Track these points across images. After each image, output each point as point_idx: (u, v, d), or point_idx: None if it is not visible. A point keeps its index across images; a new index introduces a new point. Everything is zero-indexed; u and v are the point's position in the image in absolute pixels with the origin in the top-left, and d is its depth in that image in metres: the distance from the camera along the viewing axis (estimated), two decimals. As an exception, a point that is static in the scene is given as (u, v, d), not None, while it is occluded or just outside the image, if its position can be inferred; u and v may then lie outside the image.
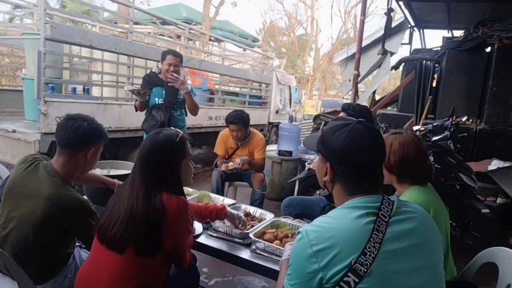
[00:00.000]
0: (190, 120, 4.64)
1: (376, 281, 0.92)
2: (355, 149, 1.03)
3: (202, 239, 1.79)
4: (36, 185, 1.47)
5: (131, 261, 1.34)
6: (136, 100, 3.29)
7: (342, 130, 1.05)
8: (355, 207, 1.02)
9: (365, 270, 0.91)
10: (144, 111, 3.40)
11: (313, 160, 2.61)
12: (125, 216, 1.34)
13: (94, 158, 1.62)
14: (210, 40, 10.80)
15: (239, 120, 3.35)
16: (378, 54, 5.57)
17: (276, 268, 1.55)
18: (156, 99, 3.31)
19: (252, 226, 1.88)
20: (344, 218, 1.00)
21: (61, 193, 1.45)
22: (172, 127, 1.56)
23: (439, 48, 5.61)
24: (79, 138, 1.52)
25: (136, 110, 3.39)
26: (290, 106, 10.09)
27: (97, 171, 2.34)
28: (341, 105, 2.61)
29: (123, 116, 4.51)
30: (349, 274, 0.91)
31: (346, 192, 1.06)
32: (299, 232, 1.02)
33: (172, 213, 1.35)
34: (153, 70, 3.42)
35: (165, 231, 1.35)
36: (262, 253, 1.66)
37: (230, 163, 3.33)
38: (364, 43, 5.54)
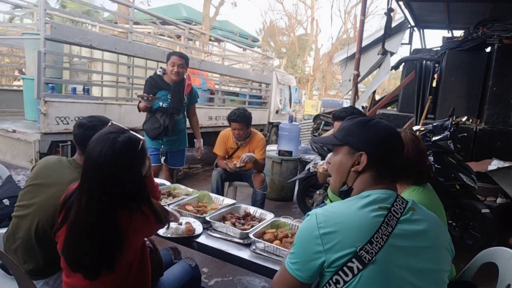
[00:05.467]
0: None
1: (379, 270, 0.94)
2: (391, 137, 1.12)
3: (202, 239, 1.79)
4: (60, 174, 1.60)
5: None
6: (140, 102, 3.28)
7: (372, 122, 1.13)
8: (369, 197, 1.04)
9: (370, 258, 0.93)
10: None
11: (316, 163, 2.60)
12: (75, 236, 1.23)
13: None
14: (210, 40, 10.80)
15: (241, 119, 3.33)
16: (378, 54, 5.58)
17: (276, 268, 1.55)
18: (161, 103, 3.29)
19: (252, 226, 1.88)
20: (355, 207, 1.02)
21: None
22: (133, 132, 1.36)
23: (439, 48, 5.61)
24: None
25: (140, 111, 3.39)
26: (290, 106, 10.09)
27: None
28: (339, 115, 2.60)
29: (123, 116, 4.51)
30: (354, 260, 0.94)
31: (374, 181, 1.09)
32: (308, 214, 1.04)
33: (138, 228, 1.27)
34: (157, 72, 3.36)
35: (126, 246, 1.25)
36: (262, 253, 1.66)
37: (235, 161, 3.33)
38: (364, 43, 5.54)
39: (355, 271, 0.93)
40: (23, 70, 6.39)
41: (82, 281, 1.27)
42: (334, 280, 0.96)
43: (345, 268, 0.94)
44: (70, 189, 1.37)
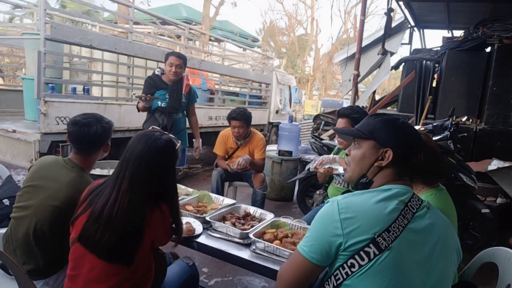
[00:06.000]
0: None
1: (394, 258, 0.98)
2: (416, 138, 1.18)
3: (202, 239, 1.78)
4: (56, 175, 1.60)
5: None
6: (138, 102, 3.30)
7: (400, 122, 1.19)
8: (390, 190, 1.08)
9: (387, 245, 0.98)
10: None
11: (315, 161, 2.58)
12: (102, 219, 1.29)
13: (108, 147, 1.81)
14: (210, 40, 10.80)
15: (241, 117, 3.34)
16: (378, 54, 5.58)
17: (276, 268, 1.55)
18: (159, 102, 3.31)
19: (252, 226, 1.87)
20: (376, 199, 1.06)
21: (81, 179, 1.60)
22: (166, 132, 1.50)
23: (439, 48, 5.61)
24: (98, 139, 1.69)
25: (139, 111, 3.41)
26: (290, 106, 10.09)
27: (97, 171, 2.35)
28: (344, 112, 2.53)
29: (123, 116, 4.51)
30: (371, 245, 0.98)
31: (396, 177, 1.14)
32: (328, 201, 1.08)
33: (153, 225, 1.32)
34: (156, 72, 3.38)
35: (143, 240, 1.31)
36: (262, 253, 1.66)
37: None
38: (364, 43, 5.55)
39: (371, 256, 0.97)
40: (23, 70, 6.39)
41: (86, 275, 1.29)
42: (349, 264, 1.00)
43: (361, 253, 0.98)
44: (95, 184, 1.43)
